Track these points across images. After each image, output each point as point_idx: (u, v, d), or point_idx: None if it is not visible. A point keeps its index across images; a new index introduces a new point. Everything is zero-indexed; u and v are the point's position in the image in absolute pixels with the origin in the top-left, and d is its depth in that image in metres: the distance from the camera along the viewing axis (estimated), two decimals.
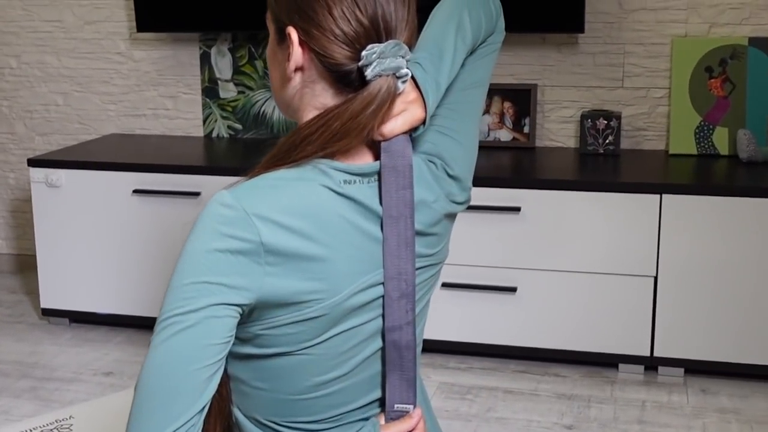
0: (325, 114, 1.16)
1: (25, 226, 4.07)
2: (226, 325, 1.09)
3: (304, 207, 1.12)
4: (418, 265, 1.26)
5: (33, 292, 3.82)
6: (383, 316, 1.24)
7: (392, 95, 1.18)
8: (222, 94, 3.72)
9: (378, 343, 1.27)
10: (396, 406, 1.30)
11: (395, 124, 1.20)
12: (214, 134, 3.75)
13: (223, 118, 3.73)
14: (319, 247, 1.13)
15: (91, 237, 3.38)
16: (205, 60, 3.71)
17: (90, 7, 3.80)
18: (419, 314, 1.31)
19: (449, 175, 1.29)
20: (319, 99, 1.20)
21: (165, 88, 3.79)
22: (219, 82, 3.72)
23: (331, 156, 1.17)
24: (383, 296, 1.23)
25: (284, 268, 1.11)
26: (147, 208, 3.30)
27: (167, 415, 1.06)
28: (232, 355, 1.20)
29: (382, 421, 1.28)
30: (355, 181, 1.18)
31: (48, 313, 3.48)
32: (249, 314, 1.13)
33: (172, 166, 3.26)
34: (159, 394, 1.06)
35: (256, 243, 1.08)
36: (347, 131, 1.16)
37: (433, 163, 1.28)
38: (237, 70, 3.68)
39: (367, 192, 1.19)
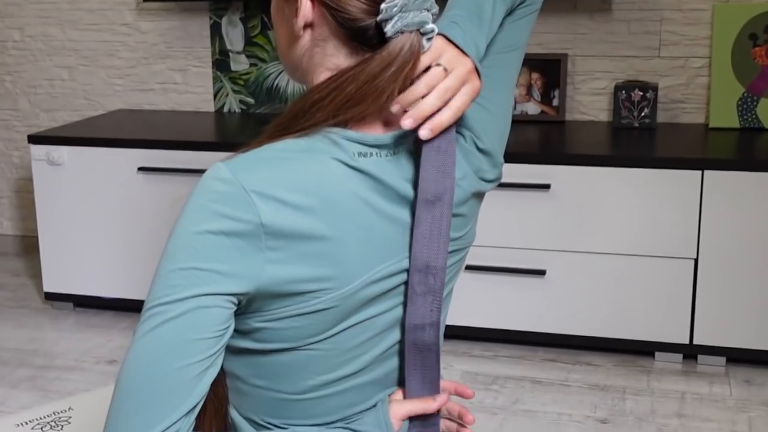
0: (338, 76, 1.04)
1: (30, 207, 3.94)
2: (218, 318, 0.97)
3: (311, 183, 1.00)
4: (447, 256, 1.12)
5: (37, 275, 3.68)
6: (404, 305, 1.11)
7: (415, 55, 1.04)
8: (233, 67, 3.55)
9: (396, 335, 1.13)
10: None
11: (461, 104, 1.06)
12: (225, 109, 3.59)
13: (235, 92, 3.56)
14: (328, 229, 1.01)
15: (95, 217, 3.24)
16: (215, 31, 3.55)
17: None
18: (443, 306, 1.17)
19: (479, 149, 1.16)
20: (331, 59, 1.07)
21: (173, 61, 3.62)
22: (230, 54, 3.55)
23: (344, 124, 1.05)
24: (405, 284, 1.10)
25: (287, 253, 0.99)
26: (153, 186, 3.15)
27: (148, 417, 0.95)
28: (227, 349, 1.06)
29: (400, 396, 1.15)
30: (371, 154, 1.05)
31: (51, 297, 3.34)
32: (247, 305, 1.02)
33: (179, 142, 3.11)
34: (139, 393, 0.95)
35: (255, 224, 0.97)
36: (363, 96, 1.03)
37: (461, 135, 1.14)
38: (249, 42, 3.51)
39: (385, 166, 1.06)
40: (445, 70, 1.05)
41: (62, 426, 1.90)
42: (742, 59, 3.06)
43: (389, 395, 1.15)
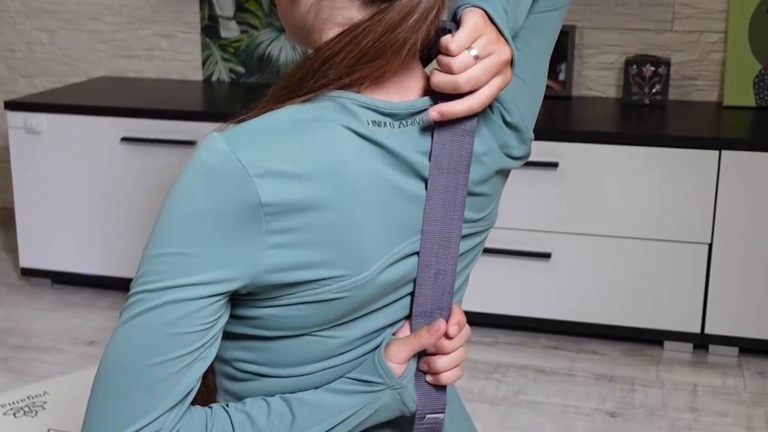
0: (351, 29, 0.93)
1: (6, 177, 3.82)
2: (205, 310, 0.87)
3: (318, 155, 0.89)
4: (461, 232, 1.02)
5: (13, 249, 3.52)
6: (412, 294, 1.01)
7: (439, 1, 0.94)
8: (223, 34, 3.39)
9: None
10: (427, 416, 1.05)
11: (482, 97, 0.95)
12: (214, 78, 3.43)
13: (225, 60, 3.40)
14: (338, 202, 0.89)
15: (76, 189, 3.09)
16: None
17: None
18: (457, 292, 1.08)
19: (506, 123, 1.04)
20: (342, 13, 0.96)
21: (160, 26, 3.46)
22: (220, 20, 3.39)
23: (359, 84, 0.93)
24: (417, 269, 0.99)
25: (292, 237, 0.88)
26: (137, 157, 3.00)
27: (126, 412, 0.87)
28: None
29: (407, 331, 1.02)
30: (385, 123, 0.94)
31: (28, 273, 3.20)
32: (244, 293, 0.91)
33: (165, 111, 2.96)
34: (117, 386, 0.87)
35: (254, 204, 0.85)
36: (381, 49, 0.92)
37: (488, 105, 1.00)
38: (240, 7, 3.35)
39: (399, 138, 0.94)
40: (476, 57, 0.94)
41: (36, 411, 1.83)
42: (759, 34, 2.91)
43: (393, 333, 1.02)
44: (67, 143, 3.06)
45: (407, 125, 0.95)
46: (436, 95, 0.96)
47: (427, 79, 0.98)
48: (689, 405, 2.42)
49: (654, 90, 2.96)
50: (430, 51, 1.00)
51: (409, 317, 1.01)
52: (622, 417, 2.36)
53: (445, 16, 0.98)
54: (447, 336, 1.00)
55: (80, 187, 3.08)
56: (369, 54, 0.91)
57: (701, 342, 2.68)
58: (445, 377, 1.02)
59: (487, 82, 0.95)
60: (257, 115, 0.92)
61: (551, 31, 1.11)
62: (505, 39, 0.96)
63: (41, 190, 3.11)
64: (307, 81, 0.93)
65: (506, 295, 2.78)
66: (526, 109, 1.07)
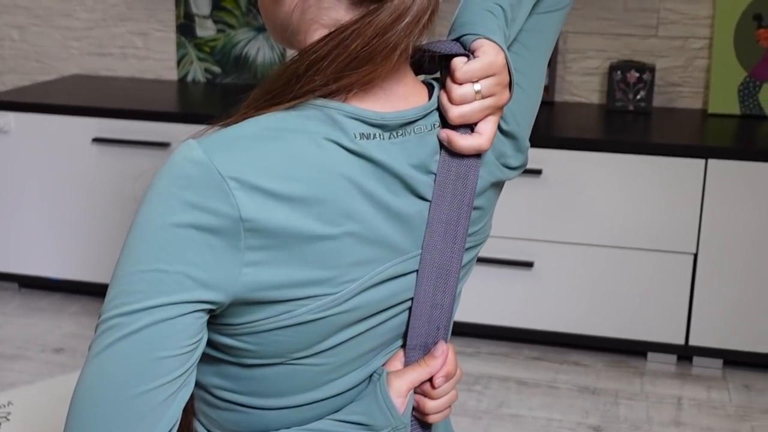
0: (339, 32, 0.87)
1: None
2: (187, 330, 0.81)
3: (301, 170, 0.83)
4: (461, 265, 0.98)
5: None
6: (407, 324, 0.96)
7: (433, 3, 0.89)
8: (199, 33, 3.31)
9: (400, 343, 0.99)
10: None
11: (489, 130, 0.94)
12: (189, 78, 3.35)
13: (200, 59, 3.32)
14: (320, 226, 0.84)
15: (44, 191, 3.00)
16: None
17: None
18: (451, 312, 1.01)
19: (502, 131, 0.99)
20: (328, 13, 0.90)
21: (135, 24, 3.37)
22: (196, 18, 3.31)
23: (347, 91, 0.88)
24: (414, 287, 0.95)
25: (270, 254, 0.82)
26: (109, 158, 2.92)
27: None
28: None
29: (399, 364, 0.97)
30: (374, 135, 0.88)
31: None
32: (218, 315, 0.86)
33: (138, 112, 2.88)
34: (96, 425, 0.79)
35: (233, 218, 0.80)
36: (371, 54, 0.86)
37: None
38: (217, 5, 3.27)
39: (390, 151, 0.89)
40: (478, 93, 0.92)
41: (0, 423, 1.79)
42: (745, 41, 2.87)
43: (383, 364, 0.97)
44: (36, 143, 2.97)
45: (398, 136, 0.90)
46: (427, 105, 0.93)
47: (419, 85, 0.94)
48: (674, 419, 2.37)
49: (638, 96, 2.91)
50: (422, 57, 0.95)
51: (403, 346, 0.96)
52: (606, 431, 2.31)
53: (436, 21, 0.92)
54: (433, 386, 0.96)
55: (49, 189, 3.00)
56: (358, 59, 0.86)
57: (685, 353, 2.64)
58: (433, 418, 0.98)
59: (478, 120, 0.92)
60: (237, 122, 0.86)
61: (551, 33, 1.07)
62: (508, 67, 0.94)
63: (8, 191, 3.02)
64: (291, 86, 0.87)
65: (488, 305, 2.72)
66: (524, 116, 1.02)
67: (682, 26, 2.97)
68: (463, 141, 0.91)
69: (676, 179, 2.53)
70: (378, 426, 0.91)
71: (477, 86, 0.90)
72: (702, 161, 2.51)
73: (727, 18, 2.88)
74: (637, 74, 2.89)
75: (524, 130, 1.02)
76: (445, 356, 0.95)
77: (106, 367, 0.78)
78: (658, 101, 3.01)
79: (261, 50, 3.26)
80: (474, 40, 0.92)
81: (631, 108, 2.92)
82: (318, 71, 0.86)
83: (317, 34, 0.90)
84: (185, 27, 3.33)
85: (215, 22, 3.30)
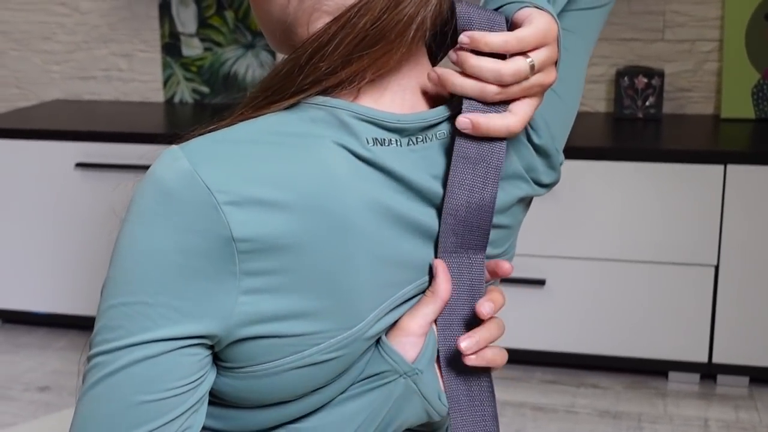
0: (344, 13, 0.76)
1: None
2: (178, 369, 0.71)
3: (304, 180, 0.72)
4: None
5: None
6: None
7: None
8: (185, 52, 3.21)
9: None
10: None
11: (525, 112, 0.78)
12: (177, 99, 3.24)
13: (187, 80, 3.21)
14: (326, 245, 0.72)
15: (26, 220, 2.90)
16: (164, 11, 3.21)
17: None
18: None
19: (534, 145, 0.87)
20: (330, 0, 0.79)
21: (118, 46, 3.27)
22: (182, 37, 3.21)
23: (360, 80, 0.75)
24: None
25: (271, 280, 0.71)
26: (93, 184, 2.81)
27: None
28: None
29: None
30: (390, 141, 0.76)
31: None
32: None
33: (122, 134, 2.77)
34: None
35: (224, 239, 0.69)
36: (383, 30, 0.75)
37: None
38: (203, 23, 3.16)
39: (408, 159, 0.77)
40: (532, 67, 0.77)
41: None
42: (757, 41, 2.75)
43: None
44: (17, 170, 2.87)
45: (417, 143, 0.77)
46: (453, 104, 0.79)
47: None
48: None
49: (648, 103, 2.78)
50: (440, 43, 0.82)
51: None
52: None
53: None
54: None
55: (31, 217, 2.89)
56: (368, 38, 0.75)
57: (709, 372, 2.49)
58: (486, 354, 0.80)
59: (515, 99, 0.78)
60: (231, 124, 0.74)
61: (592, 33, 0.94)
62: (558, 44, 0.80)
63: None
64: (293, 79, 0.75)
65: None
66: (558, 129, 0.89)
67: (690, 28, 2.85)
68: (492, 120, 0.76)
69: (693, 187, 2.40)
70: (384, 373, 0.77)
71: (530, 60, 0.76)
72: (721, 167, 2.38)
73: (737, 18, 2.76)
74: (646, 80, 2.77)
75: (558, 144, 0.89)
76: (445, 273, 0.79)
77: (91, 408, 0.71)
78: (667, 108, 2.89)
79: (250, 68, 3.14)
80: (519, 9, 0.78)
81: (640, 115, 2.79)
82: (323, 57, 0.74)
83: (320, 22, 0.78)
84: (171, 46, 3.21)
85: (202, 40, 3.18)
